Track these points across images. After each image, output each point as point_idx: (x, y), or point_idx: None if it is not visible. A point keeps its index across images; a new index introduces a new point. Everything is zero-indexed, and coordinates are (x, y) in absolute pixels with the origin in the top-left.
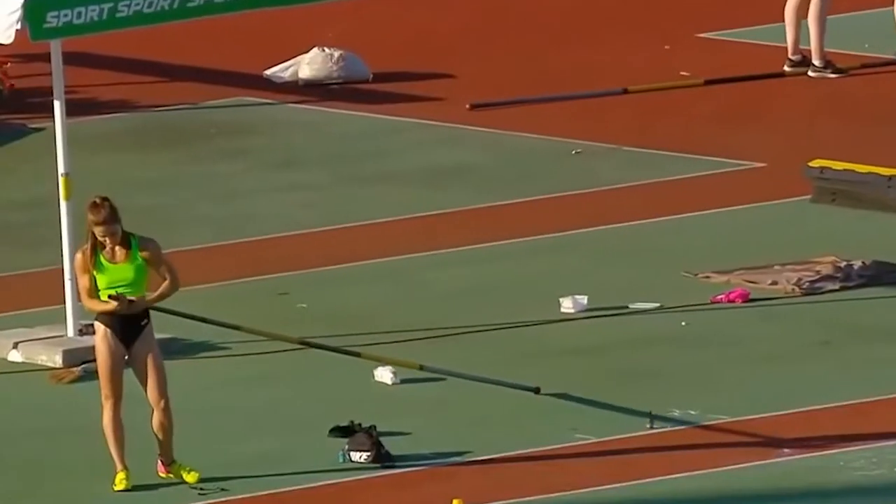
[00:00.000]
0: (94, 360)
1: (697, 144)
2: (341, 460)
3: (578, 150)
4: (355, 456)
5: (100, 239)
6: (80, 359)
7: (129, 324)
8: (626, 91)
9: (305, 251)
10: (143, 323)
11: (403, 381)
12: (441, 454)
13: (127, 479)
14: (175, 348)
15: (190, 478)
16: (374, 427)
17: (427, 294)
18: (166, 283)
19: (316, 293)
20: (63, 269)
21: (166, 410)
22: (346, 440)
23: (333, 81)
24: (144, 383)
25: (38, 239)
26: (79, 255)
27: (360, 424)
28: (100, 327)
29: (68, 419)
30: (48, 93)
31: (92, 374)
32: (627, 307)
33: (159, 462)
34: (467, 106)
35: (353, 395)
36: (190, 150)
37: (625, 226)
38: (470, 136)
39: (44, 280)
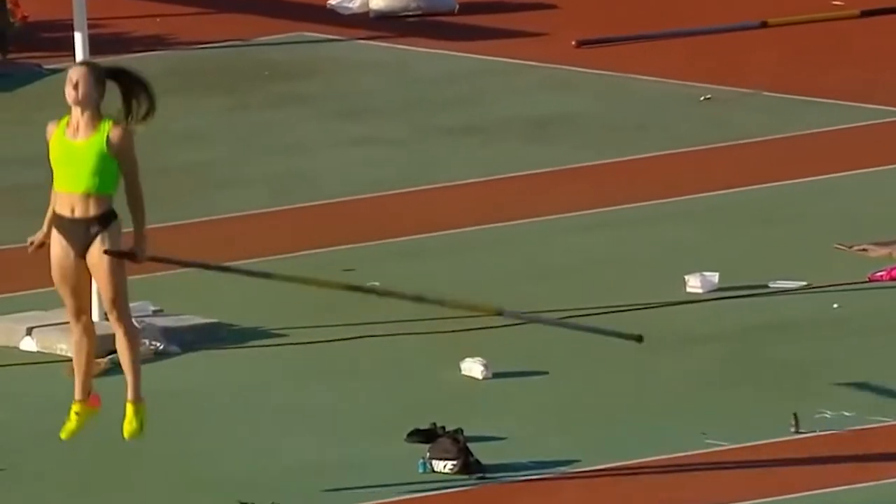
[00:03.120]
0: None
1: (852, 89)
2: (422, 470)
3: (708, 96)
4: (439, 465)
5: (66, 92)
6: (106, 347)
7: (82, 227)
8: (765, 24)
9: (377, 218)
10: (96, 229)
11: (496, 376)
12: (541, 463)
13: (79, 415)
14: (220, 335)
15: (128, 426)
16: (461, 431)
17: (526, 269)
18: (131, 195)
19: (389, 268)
20: None
21: (119, 329)
22: (427, 446)
23: (411, 13)
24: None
25: None
26: (49, 124)
27: (443, 427)
28: (52, 232)
29: (91, 419)
30: (68, 27)
31: (119, 366)
32: (767, 286)
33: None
34: (573, 43)
35: (435, 393)
36: (239, 97)
37: (764, 187)
38: (577, 79)
39: None
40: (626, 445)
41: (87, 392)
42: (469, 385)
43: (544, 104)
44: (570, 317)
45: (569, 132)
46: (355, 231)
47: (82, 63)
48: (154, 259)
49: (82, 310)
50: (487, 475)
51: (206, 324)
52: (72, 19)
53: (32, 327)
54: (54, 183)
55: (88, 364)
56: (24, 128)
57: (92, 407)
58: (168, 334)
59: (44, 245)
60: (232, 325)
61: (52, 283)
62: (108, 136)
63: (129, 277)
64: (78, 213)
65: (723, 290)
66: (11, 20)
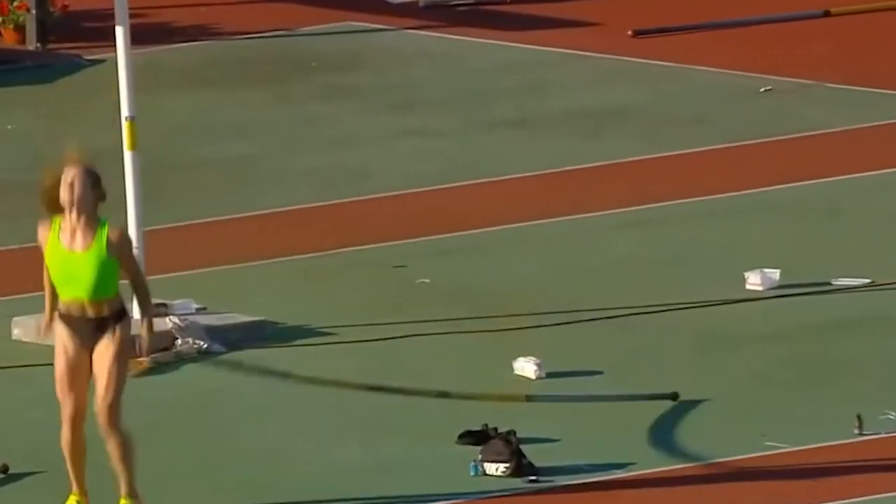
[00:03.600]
0: (166, 350)
1: None
2: (473, 473)
3: (768, 88)
4: (490, 467)
5: (62, 196)
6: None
7: (93, 325)
8: (827, 13)
9: (428, 213)
10: (111, 326)
11: (550, 376)
12: (597, 466)
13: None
14: (265, 334)
15: None
16: (514, 432)
17: (580, 266)
18: (140, 291)
19: (440, 265)
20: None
21: (108, 434)
22: (479, 448)
23: (462, 2)
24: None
25: None
26: (39, 227)
27: (495, 429)
28: (58, 324)
29: (131, 420)
30: (109, 16)
31: (164, 367)
32: (829, 283)
33: None
34: (629, 32)
35: (484, 391)
36: (285, 88)
37: (827, 182)
38: (633, 70)
39: None
40: (682, 447)
41: (86, 491)
42: (522, 385)
43: (598, 96)
44: (632, 314)
45: (624, 125)
46: (404, 226)
47: (78, 163)
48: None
49: (81, 418)
50: (540, 478)
51: (251, 322)
52: (113, 8)
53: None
54: (59, 291)
55: (84, 467)
56: (65, 121)
57: None
58: (212, 333)
59: (51, 329)
60: (277, 324)
61: None
62: (107, 240)
63: (174, 274)
64: (90, 314)
65: (783, 287)
66: (51, 9)
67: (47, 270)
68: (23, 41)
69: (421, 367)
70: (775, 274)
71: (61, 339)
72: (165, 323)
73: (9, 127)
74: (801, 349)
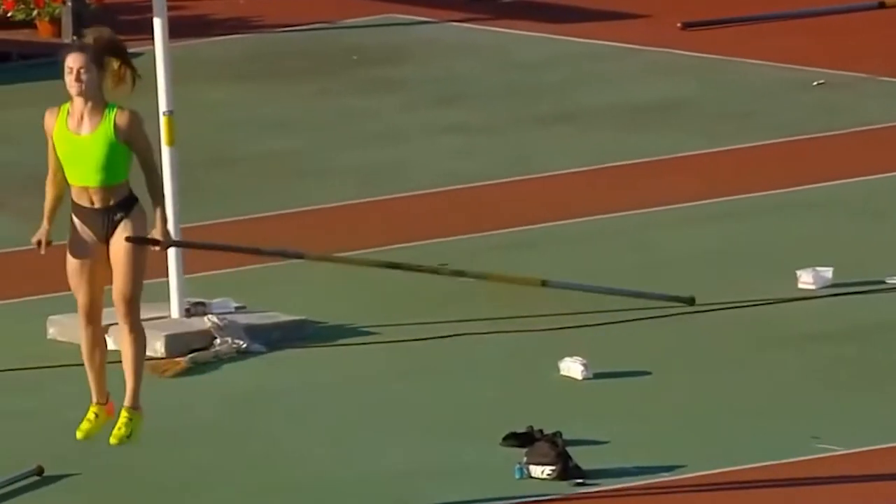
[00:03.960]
0: (205, 349)
1: None
2: (518, 476)
3: (821, 82)
4: (536, 470)
5: (66, 81)
6: (186, 346)
7: (103, 216)
8: (882, 5)
9: (472, 210)
10: (119, 216)
11: (597, 376)
12: (644, 469)
13: (98, 417)
14: (307, 332)
15: (116, 432)
16: (560, 434)
17: (627, 264)
18: (150, 176)
19: (484, 263)
20: None
21: (126, 327)
22: (524, 450)
23: None
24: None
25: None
26: (46, 112)
27: (541, 431)
28: (72, 216)
29: (169, 421)
30: (146, 8)
31: (202, 367)
32: (883, 282)
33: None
34: (679, 25)
35: (531, 393)
36: (326, 82)
37: (880, 178)
38: (682, 63)
39: None
40: (733, 450)
41: (106, 396)
42: (568, 386)
43: (647, 90)
44: (681, 313)
45: (673, 119)
46: (448, 224)
47: (79, 48)
48: (178, 244)
49: (95, 312)
50: (587, 481)
51: (292, 321)
52: (150, 0)
53: (109, 325)
54: (66, 176)
55: (102, 369)
56: None
57: (109, 414)
58: (252, 332)
59: (51, 243)
60: (319, 323)
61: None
62: (114, 124)
63: (212, 272)
64: (97, 204)
65: (836, 286)
66: (87, 1)
67: (53, 162)
68: (58, 34)
69: (465, 367)
70: (828, 272)
71: (73, 231)
72: (204, 322)
73: None
74: (856, 349)
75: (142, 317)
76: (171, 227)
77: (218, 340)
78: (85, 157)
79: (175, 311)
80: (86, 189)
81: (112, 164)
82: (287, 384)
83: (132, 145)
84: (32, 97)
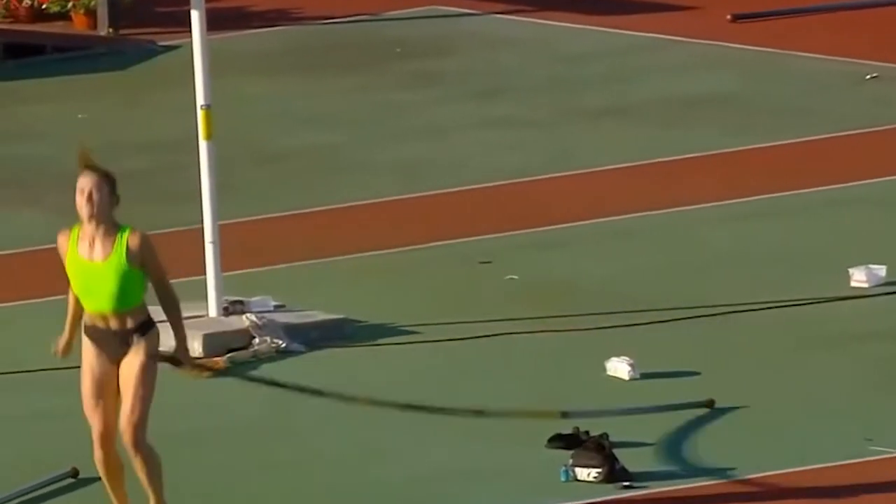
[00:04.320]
0: (243, 349)
1: None
2: (564, 478)
3: (874, 75)
4: (582, 473)
5: (77, 202)
6: (224, 346)
7: (120, 337)
8: None
9: (515, 206)
10: (137, 337)
11: (644, 377)
12: (693, 471)
13: None
14: (347, 332)
15: None
16: (607, 436)
17: (675, 261)
18: (166, 301)
19: (529, 261)
20: (202, 230)
21: (134, 455)
22: (570, 452)
23: None
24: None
25: (171, 191)
26: (58, 236)
27: (587, 432)
28: (84, 339)
29: (208, 422)
30: (184, 0)
31: (241, 366)
32: None
33: None
34: (728, 17)
35: (578, 394)
36: (368, 76)
37: None
38: (730, 56)
39: (177, 244)
40: (783, 452)
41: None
42: (615, 386)
43: (695, 83)
44: (731, 312)
45: (721, 113)
46: (491, 220)
47: (93, 169)
48: (197, 366)
49: (111, 437)
50: (635, 484)
51: (332, 320)
52: None
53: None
54: (81, 300)
55: (123, 484)
56: (137, 110)
57: None
58: (291, 331)
59: (71, 347)
60: (359, 322)
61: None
62: (127, 248)
63: (250, 270)
64: (113, 326)
65: (890, 284)
66: None
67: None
68: (94, 26)
69: (509, 367)
70: (881, 270)
71: (87, 355)
72: (242, 321)
73: (79, 116)
74: None
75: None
76: (207, 224)
77: (256, 340)
78: (99, 285)
79: (213, 310)
80: (101, 314)
81: (127, 291)
82: (326, 384)
83: (145, 269)
84: (66, 91)
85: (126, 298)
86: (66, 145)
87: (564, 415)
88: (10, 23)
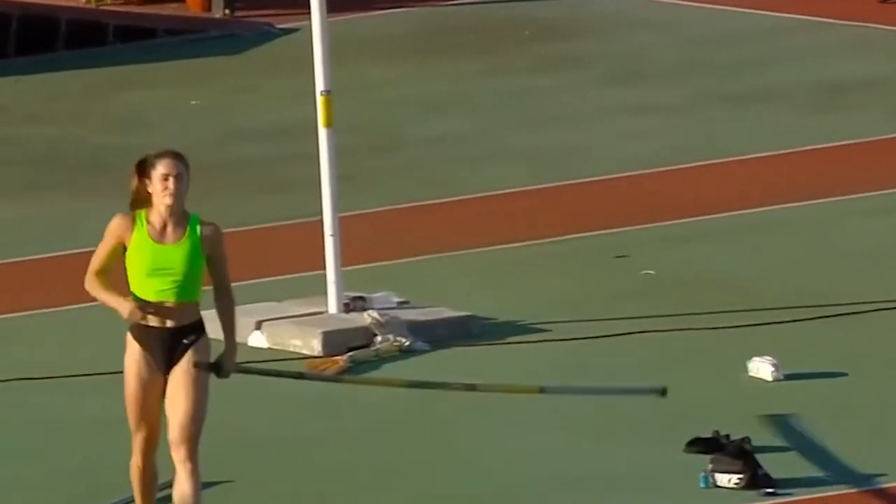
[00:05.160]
0: (365, 347)
1: None
2: (703, 485)
3: None
4: (722, 478)
5: (158, 188)
6: (345, 344)
7: (171, 339)
8: None
9: (653, 197)
10: (190, 339)
11: (788, 378)
12: (841, 477)
13: None
14: (474, 330)
15: None
16: (749, 439)
17: (823, 256)
18: (225, 298)
19: (667, 254)
20: (322, 222)
21: (189, 468)
22: (709, 457)
23: None
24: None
25: (288, 180)
26: (117, 216)
27: (727, 436)
28: (129, 342)
29: (327, 425)
30: None
31: (362, 366)
32: None
33: None
34: None
35: (717, 396)
36: (496, 59)
37: None
38: (880, 38)
39: (295, 237)
40: None
41: None
42: (757, 388)
43: (843, 67)
44: (882, 309)
45: (871, 99)
46: (628, 212)
47: (176, 155)
48: (241, 371)
49: (155, 445)
50: (778, 491)
51: (458, 317)
52: None
53: (262, 321)
54: (139, 290)
55: (155, 494)
56: (253, 95)
57: None
58: (415, 329)
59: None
60: (487, 319)
61: (282, 271)
62: (201, 235)
63: (372, 264)
64: (171, 323)
65: None
66: None
67: (103, 263)
68: (208, 8)
69: (645, 367)
70: None
71: (133, 358)
72: (364, 318)
73: (192, 103)
74: None
75: (297, 312)
76: (327, 215)
77: (379, 338)
78: (169, 269)
79: (333, 307)
80: (161, 306)
81: (194, 279)
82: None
83: (214, 260)
84: (179, 76)
85: (191, 287)
86: (178, 134)
87: (542, 390)
88: (122, 4)
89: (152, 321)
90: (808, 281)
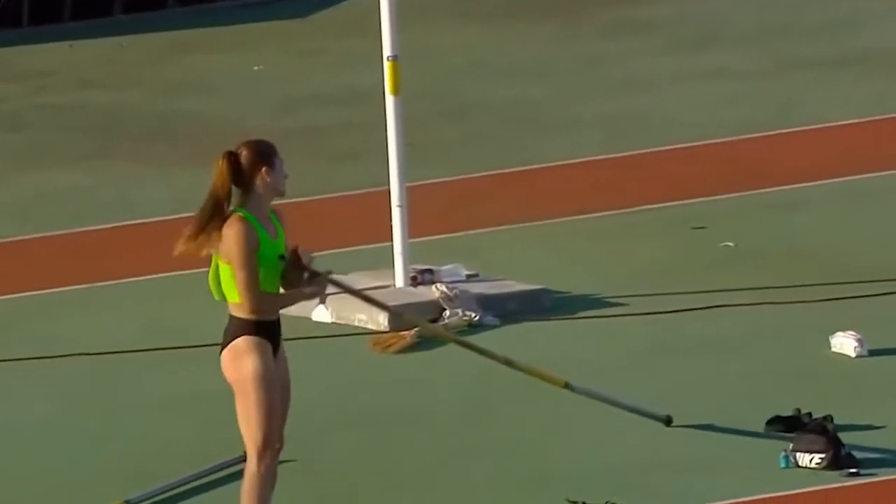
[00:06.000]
0: (434, 322)
1: None
2: (784, 465)
3: None
4: (804, 458)
5: (279, 177)
6: (413, 319)
7: (278, 326)
8: None
9: (732, 166)
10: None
11: (873, 354)
12: None
13: None
14: (546, 304)
15: None
16: (831, 418)
17: None
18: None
19: (747, 225)
20: (389, 192)
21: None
22: (790, 436)
23: None
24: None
25: (353, 149)
26: (243, 225)
27: (809, 414)
28: (256, 342)
29: (399, 402)
30: None
31: (430, 342)
32: None
33: None
34: None
35: (799, 372)
36: (567, 24)
37: None
38: None
39: (360, 207)
40: None
41: None
42: (840, 364)
43: None
44: None
45: None
46: (705, 181)
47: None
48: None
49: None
50: (862, 471)
51: (529, 291)
52: None
53: (327, 294)
54: (269, 286)
55: None
56: (318, 60)
57: None
58: (484, 302)
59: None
60: (559, 293)
61: (348, 243)
62: (282, 225)
63: (441, 235)
64: (276, 315)
65: None
66: None
67: (257, 277)
68: None
69: (725, 343)
70: None
71: (266, 360)
72: (432, 291)
73: (255, 68)
74: None
75: (363, 286)
76: (394, 185)
77: (447, 312)
78: (277, 263)
79: (400, 280)
80: (276, 300)
81: None
82: (524, 362)
83: None
84: (241, 41)
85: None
86: (240, 100)
87: (567, 386)
88: None
89: (273, 316)
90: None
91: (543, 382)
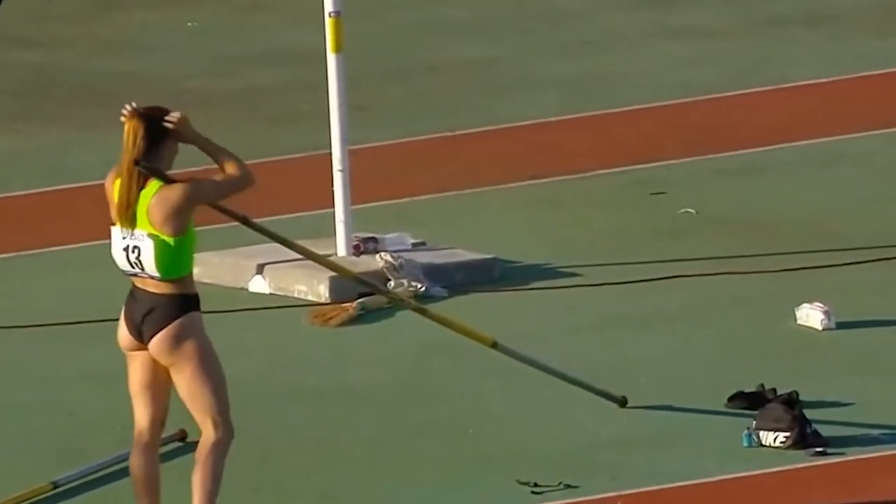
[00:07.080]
0: (375, 293)
1: None
2: (746, 443)
3: None
4: (767, 437)
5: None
6: (354, 290)
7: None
8: None
9: (696, 128)
10: None
11: (840, 326)
12: None
13: None
14: (496, 274)
15: None
16: (796, 394)
17: (883, 193)
18: None
19: (710, 191)
20: (330, 156)
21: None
22: (753, 413)
23: None
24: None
25: (295, 111)
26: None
27: (773, 390)
28: (196, 315)
29: (339, 378)
30: None
31: (374, 314)
32: None
33: None
34: None
35: (763, 345)
36: None
37: None
38: None
39: (301, 171)
40: None
41: None
42: (806, 337)
43: None
44: None
45: None
46: (667, 144)
47: None
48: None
49: None
50: (828, 450)
51: (479, 260)
52: None
53: (264, 264)
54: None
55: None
56: (255, 16)
57: None
58: (431, 273)
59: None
60: (510, 263)
61: (285, 210)
62: None
63: (385, 202)
64: None
65: None
66: None
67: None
68: None
69: (684, 314)
70: None
71: (206, 334)
72: (376, 261)
73: (189, 24)
74: None
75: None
76: (335, 148)
77: (392, 283)
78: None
79: (342, 249)
80: None
81: None
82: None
83: None
84: None
85: None
86: (173, 58)
87: (495, 345)
88: None
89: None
90: (869, 219)
91: (472, 341)
